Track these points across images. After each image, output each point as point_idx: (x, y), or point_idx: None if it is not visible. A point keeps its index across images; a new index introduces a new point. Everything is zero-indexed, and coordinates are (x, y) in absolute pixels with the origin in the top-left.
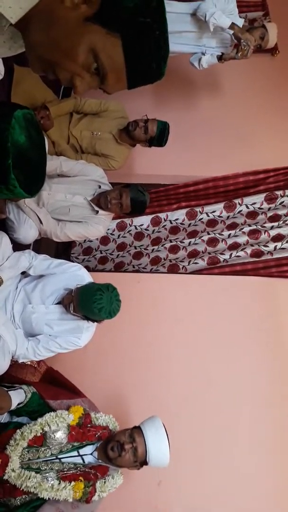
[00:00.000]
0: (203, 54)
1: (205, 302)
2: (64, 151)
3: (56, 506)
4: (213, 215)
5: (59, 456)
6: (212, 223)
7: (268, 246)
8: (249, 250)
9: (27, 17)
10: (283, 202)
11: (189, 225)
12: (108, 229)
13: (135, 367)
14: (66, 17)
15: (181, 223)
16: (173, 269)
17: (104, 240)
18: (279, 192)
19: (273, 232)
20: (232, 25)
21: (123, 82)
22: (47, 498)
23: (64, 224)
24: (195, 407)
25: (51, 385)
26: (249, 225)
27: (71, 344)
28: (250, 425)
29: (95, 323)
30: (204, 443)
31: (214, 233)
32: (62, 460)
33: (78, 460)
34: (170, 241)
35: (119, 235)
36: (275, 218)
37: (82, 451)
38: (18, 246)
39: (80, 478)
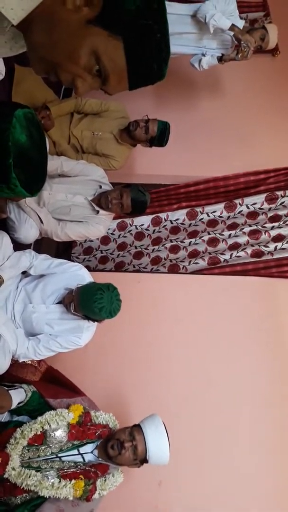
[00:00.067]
0: (203, 55)
1: (205, 302)
2: (64, 151)
3: (56, 504)
4: (214, 215)
5: (59, 455)
6: (212, 223)
7: (268, 247)
8: (249, 250)
9: (28, 19)
10: (283, 202)
11: (190, 225)
12: (109, 229)
13: (135, 366)
14: (68, 20)
15: (182, 223)
16: (173, 269)
17: (105, 240)
18: (279, 193)
19: (273, 233)
20: (232, 27)
21: (125, 83)
22: (47, 497)
23: (64, 224)
24: (195, 407)
25: (51, 384)
26: (250, 225)
27: (71, 343)
28: (250, 425)
29: (96, 323)
30: (204, 443)
31: (215, 233)
32: (62, 458)
33: (79, 458)
34: (171, 241)
35: (119, 235)
36: (275, 218)
37: (82, 450)
38: (18, 246)
39: (81, 476)
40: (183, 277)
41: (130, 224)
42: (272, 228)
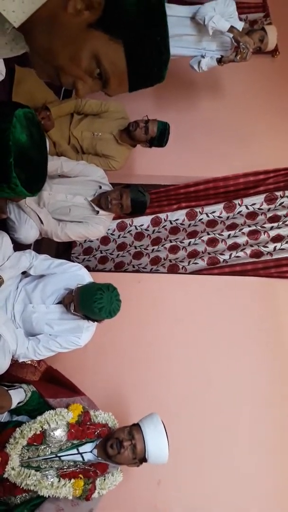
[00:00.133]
0: (203, 57)
1: (204, 302)
2: (64, 151)
3: (56, 504)
4: (213, 216)
5: (59, 454)
6: (212, 223)
7: (267, 247)
8: (248, 251)
9: (29, 21)
10: (282, 203)
11: (189, 225)
12: (109, 229)
13: (135, 366)
14: (69, 24)
15: (181, 224)
16: (173, 269)
17: (105, 240)
18: (279, 193)
19: (272, 233)
20: (231, 29)
21: (125, 86)
22: (47, 496)
23: (64, 224)
24: (195, 407)
25: (51, 383)
26: (249, 226)
27: (71, 343)
28: (250, 425)
29: (95, 323)
30: (204, 442)
31: (214, 234)
32: (62, 458)
33: (78, 458)
34: (170, 241)
35: (119, 235)
36: (274, 218)
37: (81, 449)
38: (19, 246)
39: (80, 475)
40: (182, 277)
41: (129, 224)
42: (271, 228)
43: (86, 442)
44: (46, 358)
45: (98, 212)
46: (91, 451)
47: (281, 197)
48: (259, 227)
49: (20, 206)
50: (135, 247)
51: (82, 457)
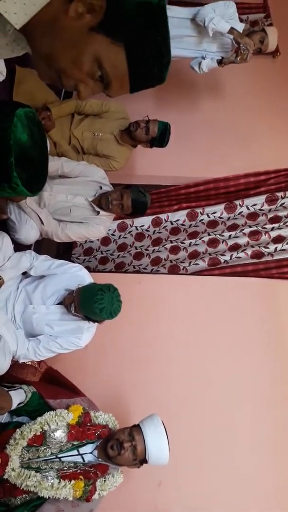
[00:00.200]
0: (203, 58)
1: (205, 303)
2: (65, 152)
3: (56, 505)
4: (214, 216)
5: (59, 455)
6: (212, 224)
7: (268, 248)
8: (249, 251)
9: (31, 23)
10: (283, 203)
11: (190, 226)
12: (109, 230)
13: (135, 367)
14: (71, 27)
15: (182, 224)
16: (173, 270)
17: (105, 240)
18: (280, 194)
19: (273, 234)
20: (231, 30)
21: (126, 87)
22: (47, 497)
23: (65, 224)
24: (196, 408)
25: (51, 384)
26: (250, 226)
27: (71, 344)
28: (251, 425)
29: (96, 324)
30: (204, 443)
31: (215, 234)
32: (62, 459)
33: (78, 459)
34: (171, 241)
35: (120, 236)
36: (275, 219)
37: (82, 450)
38: (19, 247)
39: (80, 476)
40: (183, 278)
41: (130, 225)
42: (272, 229)
43: (86, 443)
44: (47, 359)
45: (98, 212)
46: (91, 452)
47: (282, 197)
48: (260, 228)
49: (20, 207)
50: (136, 248)
51: (83, 458)
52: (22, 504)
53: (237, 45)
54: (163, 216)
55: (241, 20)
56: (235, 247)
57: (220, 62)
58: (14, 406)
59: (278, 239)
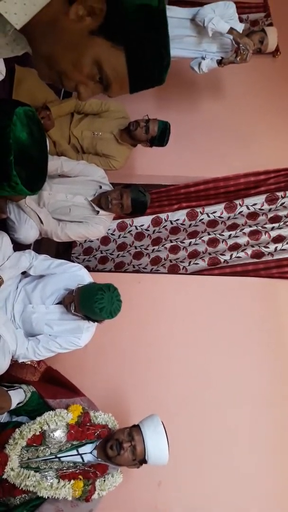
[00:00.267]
0: (203, 58)
1: (205, 302)
2: (65, 151)
3: (55, 505)
4: (214, 216)
5: (59, 455)
6: (212, 223)
7: (268, 247)
8: (249, 251)
9: (31, 23)
10: (283, 203)
11: (190, 225)
12: (109, 229)
13: (135, 367)
14: (71, 30)
15: (182, 224)
16: (173, 269)
17: (105, 240)
18: (280, 193)
19: (273, 233)
20: (231, 30)
21: (126, 89)
22: (46, 497)
23: (64, 224)
24: (195, 407)
25: (50, 384)
26: (250, 226)
27: (71, 344)
28: (250, 425)
29: (95, 323)
30: (204, 443)
31: (215, 234)
32: (62, 459)
33: (78, 459)
34: (171, 241)
35: (119, 235)
36: (275, 219)
37: (81, 450)
38: (18, 246)
39: (80, 476)
40: (183, 278)
41: (130, 224)
42: (272, 229)
43: (86, 443)
44: (46, 359)
45: (98, 212)
46: (91, 452)
47: (282, 197)
48: (260, 228)
49: (20, 206)
50: (136, 247)
51: (82, 458)
52: (21, 504)
53: (236, 45)
54: (163, 216)
55: (241, 20)
56: (235, 247)
57: (220, 62)
58: (13, 405)
59: (278, 239)
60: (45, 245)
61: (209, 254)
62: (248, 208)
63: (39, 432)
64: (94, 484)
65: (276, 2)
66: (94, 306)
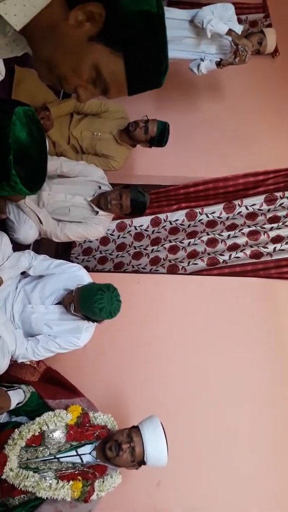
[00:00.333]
0: (202, 60)
1: (204, 303)
2: (64, 151)
3: (54, 505)
4: (213, 216)
5: (58, 456)
6: (211, 224)
7: (267, 248)
8: (248, 251)
9: (31, 25)
10: (282, 203)
11: (189, 225)
12: (108, 230)
13: (134, 367)
14: (71, 35)
15: (181, 224)
16: (172, 269)
17: (104, 240)
18: (278, 194)
19: (272, 234)
20: (229, 31)
21: (124, 92)
22: (45, 498)
23: (64, 224)
24: (195, 408)
25: (50, 384)
26: (249, 226)
27: (70, 344)
28: (250, 425)
29: (95, 323)
30: (204, 443)
31: (214, 234)
32: (61, 459)
33: (77, 459)
34: (170, 241)
35: (118, 236)
36: (274, 219)
37: (80, 451)
38: (18, 246)
39: (79, 477)
40: (182, 278)
41: (129, 224)
42: (271, 229)
43: (85, 444)
44: (45, 359)
45: (97, 212)
46: (90, 453)
47: (281, 197)
48: (259, 228)
49: (19, 206)
50: (135, 248)
51: (81, 458)
52: (20, 504)
53: (235, 46)
54: (162, 216)
55: (240, 20)
56: (234, 247)
57: (219, 63)
58: (13, 406)
59: (277, 239)
60: (44, 245)
61: (208, 254)
62: (247, 209)
63: (38, 432)
64: (93, 485)
65: (275, 2)
66: (94, 306)
